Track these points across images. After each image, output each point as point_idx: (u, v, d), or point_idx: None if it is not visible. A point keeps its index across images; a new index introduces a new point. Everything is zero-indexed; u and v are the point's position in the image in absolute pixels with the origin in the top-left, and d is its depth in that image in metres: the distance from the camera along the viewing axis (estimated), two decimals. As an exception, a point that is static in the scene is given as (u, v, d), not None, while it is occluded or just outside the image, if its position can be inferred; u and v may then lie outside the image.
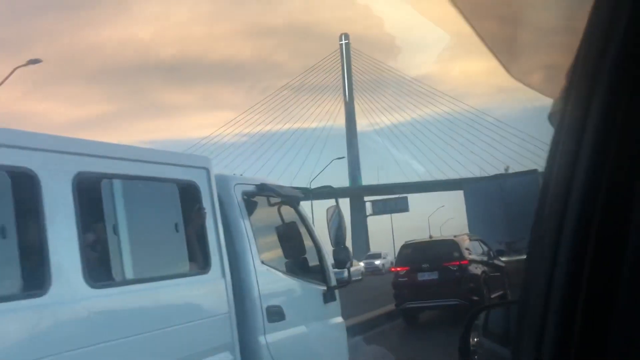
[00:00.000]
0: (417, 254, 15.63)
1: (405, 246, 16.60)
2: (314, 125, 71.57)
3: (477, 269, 15.11)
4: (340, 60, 75.73)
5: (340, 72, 75.47)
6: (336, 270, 6.61)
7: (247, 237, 5.43)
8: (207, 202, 4.92)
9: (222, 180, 5.41)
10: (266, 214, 6.00)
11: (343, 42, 76.61)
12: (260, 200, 5.95)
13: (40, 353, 3.33)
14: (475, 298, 14.11)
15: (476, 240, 16.88)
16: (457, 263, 14.90)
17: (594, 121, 0.84)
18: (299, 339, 5.72)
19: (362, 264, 43.75)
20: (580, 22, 0.90)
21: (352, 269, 7.17)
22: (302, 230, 6.29)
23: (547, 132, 1.01)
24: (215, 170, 5.24)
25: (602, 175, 0.83)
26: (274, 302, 5.51)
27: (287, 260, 6.00)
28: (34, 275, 3.45)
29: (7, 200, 3.40)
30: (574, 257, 0.85)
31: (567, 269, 0.86)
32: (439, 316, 15.91)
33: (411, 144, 71.12)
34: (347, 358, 6.61)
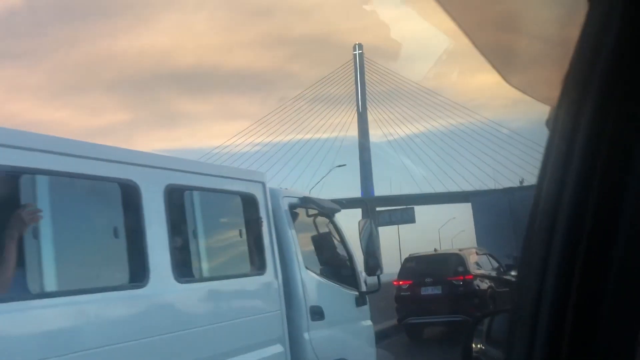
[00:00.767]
0: (420, 268, 15.21)
1: (408, 259, 16.18)
2: (325, 135, 72.16)
3: (483, 284, 14.65)
4: (353, 70, 76.15)
5: (354, 82, 75.95)
6: (367, 277, 7.26)
7: (294, 243, 6.11)
8: (263, 212, 5.61)
9: (272, 193, 6.09)
10: (306, 223, 6.68)
11: (357, 52, 76.78)
12: (301, 211, 6.63)
13: (141, 334, 4.00)
14: (480, 315, 13.46)
15: (484, 254, 16.52)
16: (462, 278, 14.48)
17: (585, 127, 0.86)
18: (336, 337, 6.37)
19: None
20: (574, 33, 0.93)
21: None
22: (337, 239, 6.99)
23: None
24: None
25: (592, 181, 0.85)
26: (316, 303, 6.17)
27: (324, 266, 6.68)
28: (137, 270, 4.12)
29: (117, 206, 4.09)
30: (563, 264, 0.87)
31: (556, 277, 0.87)
32: (443, 332, 15.28)
33: (425, 155, 71.37)
34: (375, 358, 7.25)
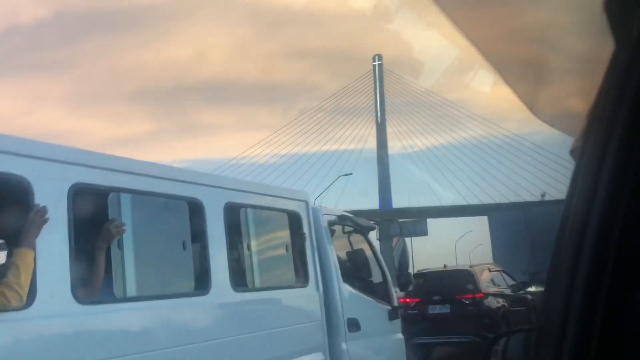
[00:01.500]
0: (429, 285, 14.31)
1: (416, 275, 15.06)
2: (343, 147, 72.41)
3: (494, 303, 13.80)
4: (372, 81, 76.21)
5: (373, 93, 76.04)
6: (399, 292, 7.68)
7: (332, 258, 6.54)
8: (306, 228, 6.06)
9: (313, 211, 6.55)
10: (343, 240, 7.12)
11: (376, 62, 76.70)
12: (338, 228, 7.08)
13: (204, 337, 4.46)
14: (490, 335, 11.92)
15: (498, 270, 15.66)
16: (471, 296, 13.65)
17: (610, 163, 0.88)
18: (370, 348, 6.77)
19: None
20: (597, 65, 0.95)
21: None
22: (370, 255, 7.41)
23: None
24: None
25: (617, 210, 0.86)
26: (353, 315, 6.59)
27: (359, 280, 7.10)
28: (200, 279, 4.59)
29: (184, 222, 4.57)
30: (590, 285, 0.88)
31: (583, 297, 0.88)
32: (453, 353, 14.43)
33: (444, 167, 71.15)
34: (406, 370, 7.62)
